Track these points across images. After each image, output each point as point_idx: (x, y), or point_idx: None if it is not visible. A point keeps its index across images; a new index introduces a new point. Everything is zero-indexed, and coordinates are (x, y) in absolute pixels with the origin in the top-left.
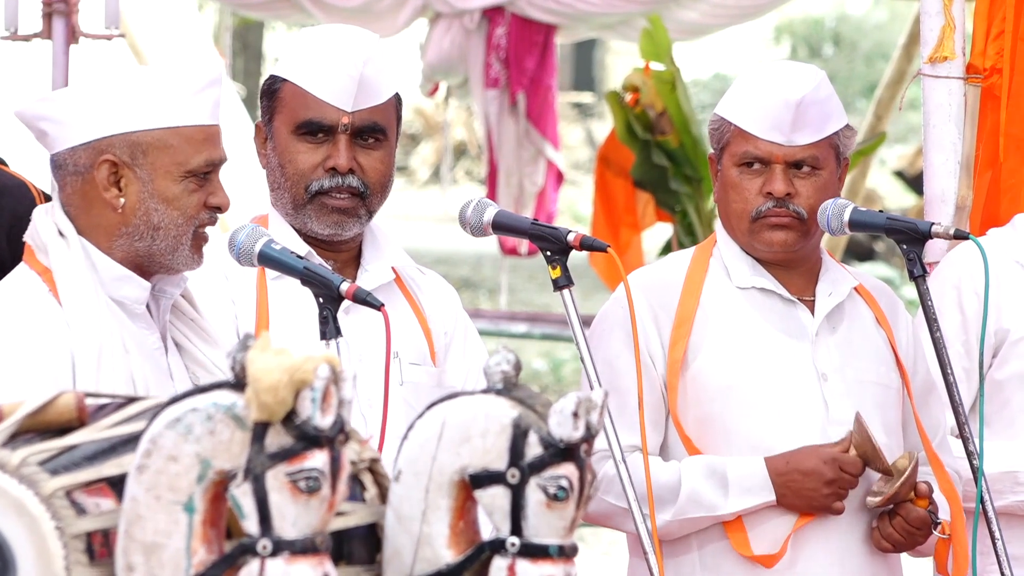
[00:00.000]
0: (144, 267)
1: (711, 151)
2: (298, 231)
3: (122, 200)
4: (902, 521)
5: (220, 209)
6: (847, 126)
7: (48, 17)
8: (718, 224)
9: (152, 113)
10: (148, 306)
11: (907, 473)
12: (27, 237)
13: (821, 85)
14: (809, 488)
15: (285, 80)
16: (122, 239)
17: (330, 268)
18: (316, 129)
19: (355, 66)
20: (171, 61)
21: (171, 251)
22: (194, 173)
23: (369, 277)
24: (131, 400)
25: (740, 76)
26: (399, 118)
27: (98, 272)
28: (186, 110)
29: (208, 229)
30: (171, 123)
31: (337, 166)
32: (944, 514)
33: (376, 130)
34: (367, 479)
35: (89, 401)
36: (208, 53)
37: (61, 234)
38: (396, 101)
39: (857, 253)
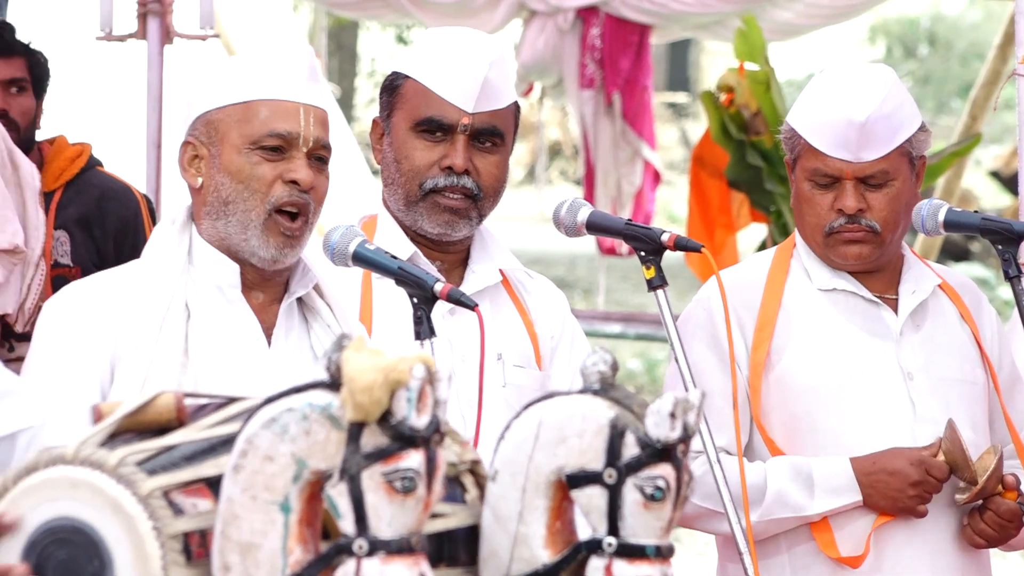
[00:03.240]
0: (231, 253)
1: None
2: (407, 230)
3: (199, 180)
4: (993, 515)
5: (298, 185)
6: (921, 127)
7: (143, 17)
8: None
9: (225, 92)
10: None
11: (993, 467)
12: None
13: (888, 98)
14: (894, 488)
15: (408, 77)
16: (206, 221)
17: (436, 269)
18: (435, 127)
19: (480, 68)
20: (255, 46)
21: (243, 228)
22: (259, 144)
23: (476, 279)
24: (231, 400)
25: (811, 83)
26: (516, 126)
27: (193, 256)
28: (256, 86)
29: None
30: (240, 99)
31: (453, 165)
32: None
33: (494, 134)
34: (468, 481)
35: (189, 401)
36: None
37: (173, 222)
38: (516, 109)
39: (953, 253)
